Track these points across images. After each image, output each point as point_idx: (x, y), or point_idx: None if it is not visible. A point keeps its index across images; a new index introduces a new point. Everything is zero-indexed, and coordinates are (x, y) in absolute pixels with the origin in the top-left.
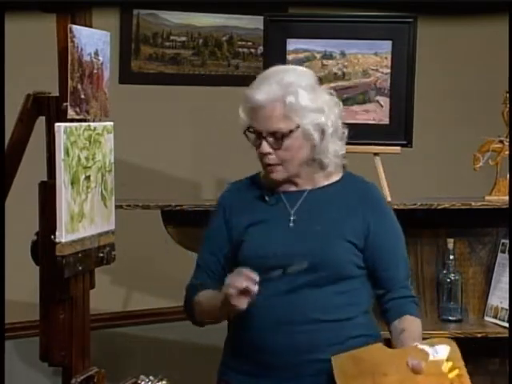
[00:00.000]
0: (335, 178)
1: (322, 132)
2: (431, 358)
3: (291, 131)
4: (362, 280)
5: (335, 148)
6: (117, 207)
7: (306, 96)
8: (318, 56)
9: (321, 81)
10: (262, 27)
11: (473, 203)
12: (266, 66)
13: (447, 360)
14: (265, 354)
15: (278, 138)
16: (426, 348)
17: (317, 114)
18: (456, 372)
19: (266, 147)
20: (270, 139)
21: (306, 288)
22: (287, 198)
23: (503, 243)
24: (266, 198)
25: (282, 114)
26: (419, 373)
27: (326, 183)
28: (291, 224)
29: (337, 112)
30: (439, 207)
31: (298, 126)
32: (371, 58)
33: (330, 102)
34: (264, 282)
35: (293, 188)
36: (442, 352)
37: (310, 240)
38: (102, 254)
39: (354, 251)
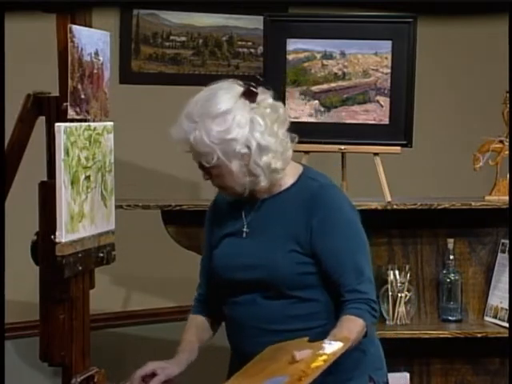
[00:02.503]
0: (291, 180)
1: (243, 156)
2: (326, 350)
3: (213, 163)
4: (323, 288)
5: (266, 162)
6: (117, 207)
7: (213, 127)
8: (318, 56)
9: (321, 81)
10: (261, 27)
11: (473, 203)
12: (266, 66)
13: (327, 354)
14: (241, 360)
15: (207, 168)
16: (327, 341)
17: (228, 142)
18: (315, 364)
19: (204, 175)
20: (204, 169)
21: (263, 300)
22: (246, 209)
23: (503, 243)
24: (229, 210)
25: (195, 150)
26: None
27: (283, 188)
28: (244, 236)
29: (264, 125)
30: (439, 207)
31: (218, 157)
32: (371, 57)
33: (254, 117)
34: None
35: (252, 198)
36: (333, 347)
37: (257, 254)
38: (102, 254)
39: (300, 260)
